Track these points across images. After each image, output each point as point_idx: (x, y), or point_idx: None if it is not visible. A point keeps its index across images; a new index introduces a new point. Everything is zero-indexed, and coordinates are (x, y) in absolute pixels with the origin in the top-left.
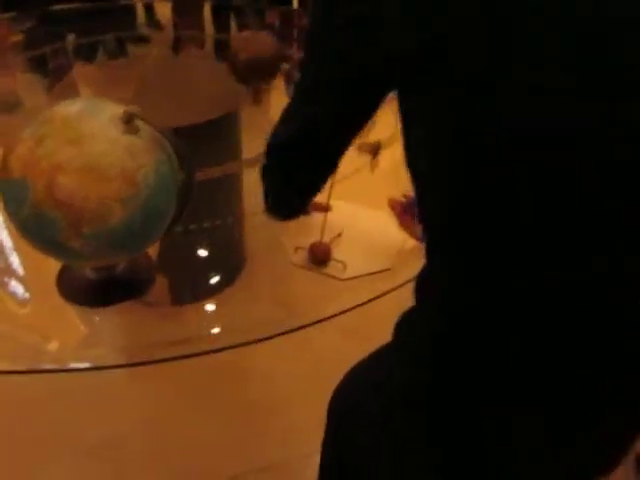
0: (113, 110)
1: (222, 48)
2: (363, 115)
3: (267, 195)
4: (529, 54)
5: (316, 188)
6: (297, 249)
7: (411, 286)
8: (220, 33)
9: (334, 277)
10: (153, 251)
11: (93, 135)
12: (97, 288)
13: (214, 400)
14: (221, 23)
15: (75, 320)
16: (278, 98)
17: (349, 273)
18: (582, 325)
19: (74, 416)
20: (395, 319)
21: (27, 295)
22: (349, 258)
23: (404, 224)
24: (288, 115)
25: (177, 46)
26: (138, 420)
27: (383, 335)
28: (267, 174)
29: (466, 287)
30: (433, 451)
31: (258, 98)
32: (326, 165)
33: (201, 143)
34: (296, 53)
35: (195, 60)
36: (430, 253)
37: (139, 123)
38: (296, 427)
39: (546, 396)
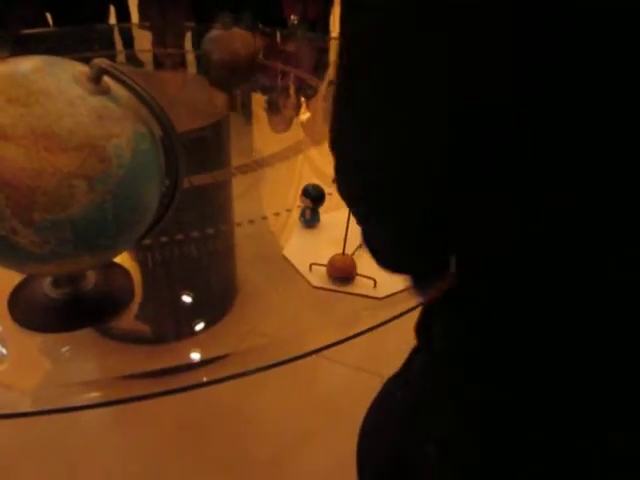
0: (78, 68)
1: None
2: None
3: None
4: None
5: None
6: (312, 265)
7: None
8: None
9: (367, 296)
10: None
11: (47, 92)
12: (60, 310)
13: (208, 450)
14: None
15: (35, 352)
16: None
17: (382, 290)
18: None
19: (45, 474)
20: (408, 349)
21: None
22: (375, 272)
23: None
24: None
25: (158, 64)
26: (120, 475)
27: (396, 366)
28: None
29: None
30: None
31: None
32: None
33: (188, 152)
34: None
35: (178, 74)
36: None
37: (112, 84)
38: (301, 477)
39: None
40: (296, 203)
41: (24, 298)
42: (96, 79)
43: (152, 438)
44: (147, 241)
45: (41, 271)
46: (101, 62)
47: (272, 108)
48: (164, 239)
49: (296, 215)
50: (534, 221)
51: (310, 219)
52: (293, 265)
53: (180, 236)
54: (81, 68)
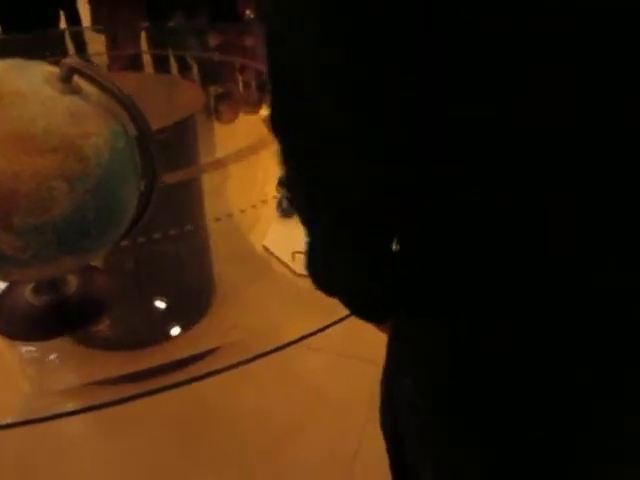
0: (46, 68)
1: (163, 65)
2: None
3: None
4: None
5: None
6: (295, 254)
7: None
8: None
9: None
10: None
11: (20, 94)
12: (43, 317)
13: (198, 448)
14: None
15: (14, 362)
16: None
17: None
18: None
19: None
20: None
21: None
22: None
23: None
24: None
25: (113, 67)
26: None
27: (380, 350)
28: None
29: None
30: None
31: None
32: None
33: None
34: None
35: (135, 75)
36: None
37: (83, 83)
38: (293, 467)
39: None
40: (271, 194)
41: (6, 308)
42: (67, 79)
43: (141, 440)
44: (124, 243)
45: (23, 276)
46: (71, 61)
47: (221, 98)
48: (141, 239)
49: (272, 206)
50: (534, 221)
51: (288, 208)
52: (275, 255)
53: (157, 235)
54: (49, 68)
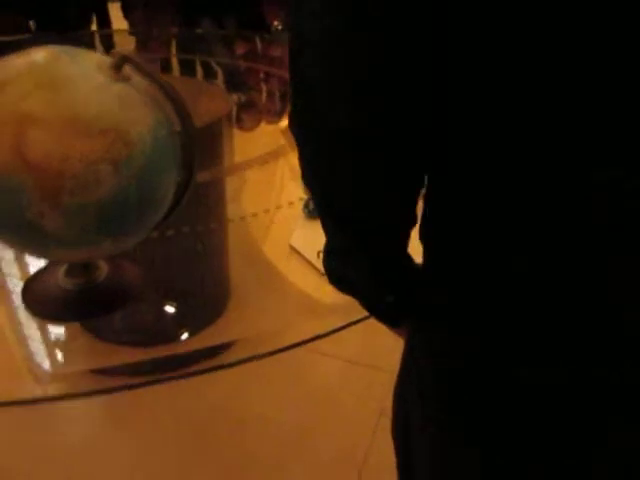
0: (98, 56)
1: (188, 70)
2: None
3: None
4: None
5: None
6: (320, 253)
7: None
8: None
9: None
10: None
11: (73, 79)
12: (73, 300)
13: (208, 451)
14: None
15: (41, 343)
16: None
17: None
18: None
19: (43, 475)
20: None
21: None
22: None
23: None
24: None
25: None
26: (119, 476)
27: (391, 358)
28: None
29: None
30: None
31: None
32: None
33: None
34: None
35: (167, 77)
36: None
37: (132, 73)
38: (302, 473)
39: None
40: (297, 196)
41: (38, 289)
42: (118, 67)
43: (151, 442)
44: (153, 234)
45: (64, 256)
46: (123, 51)
47: (243, 106)
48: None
49: (299, 207)
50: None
51: (314, 209)
52: (301, 254)
53: (186, 229)
54: (100, 56)
